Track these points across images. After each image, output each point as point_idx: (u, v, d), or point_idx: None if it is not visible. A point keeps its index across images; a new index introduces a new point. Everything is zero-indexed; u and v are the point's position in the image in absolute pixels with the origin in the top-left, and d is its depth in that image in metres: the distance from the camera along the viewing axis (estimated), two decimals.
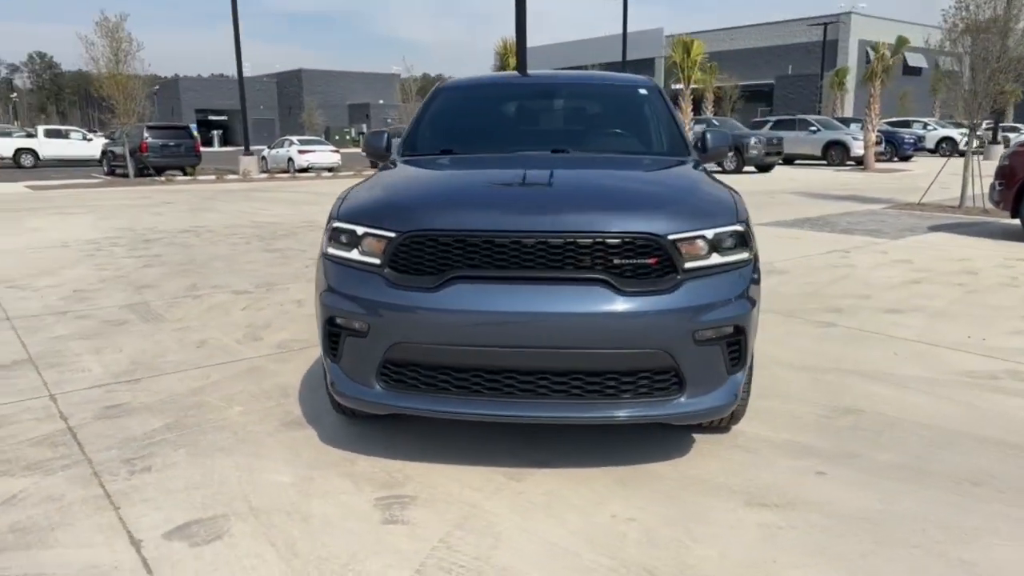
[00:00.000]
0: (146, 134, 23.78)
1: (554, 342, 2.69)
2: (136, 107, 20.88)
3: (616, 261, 2.72)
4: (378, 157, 4.17)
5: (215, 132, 65.50)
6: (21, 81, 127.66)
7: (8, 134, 32.77)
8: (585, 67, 42.91)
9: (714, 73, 17.54)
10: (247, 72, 30.15)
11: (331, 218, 3.09)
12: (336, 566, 2.34)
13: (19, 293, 6.26)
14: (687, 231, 2.79)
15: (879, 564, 2.35)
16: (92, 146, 31.37)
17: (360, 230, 2.90)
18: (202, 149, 25.97)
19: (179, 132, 25.32)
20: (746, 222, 2.99)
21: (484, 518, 2.63)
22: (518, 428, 3.26)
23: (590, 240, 2.71)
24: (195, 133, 26.27)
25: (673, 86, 16.91)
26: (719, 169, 17.80)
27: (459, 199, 3.06)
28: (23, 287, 6.51)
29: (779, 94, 49.17)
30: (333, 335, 2.94)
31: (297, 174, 26.11)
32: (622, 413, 2.78)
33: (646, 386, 2.79)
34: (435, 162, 3.81)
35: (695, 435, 3.31)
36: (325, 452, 3.16)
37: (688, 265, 2.78)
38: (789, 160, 26.63)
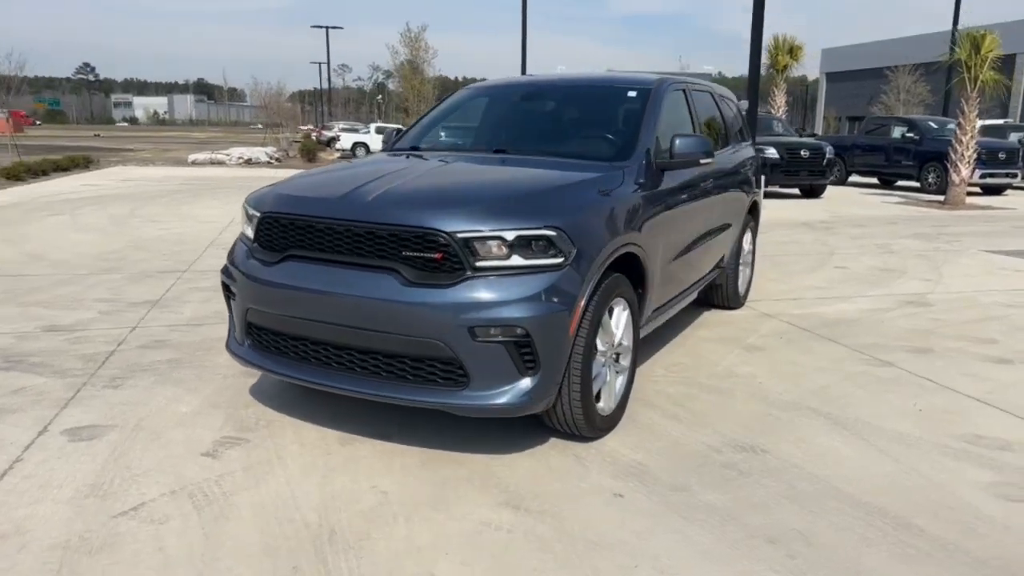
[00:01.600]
0: None
1: (350, 321, 2.96)
2: (426, 108, 23.73)
3: (406, 253, 2.90)
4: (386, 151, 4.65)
5: None
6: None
7: (354, 130, 38.76)
8: (894, 68, 38.12)
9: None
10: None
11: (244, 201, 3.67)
12: (136, 472, 2.92)
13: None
14: (480, 231, 2.85)
15: None
16: None
17: (250, 211, 3.44)
18: None
19: None
20: (561, 228, 2.93)
21: (272, 465, 3.02)
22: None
23: (385, 232, 2.93)
24: None
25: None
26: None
27: (309, 188, 3.42)
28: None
29: None
30: (225, 295, 3.53)
31: None
32: (413, 396, 2.94)
33: (434, 374, 2.93)
34: (370, 158, 4.29)
35: (554, 437, 3.29)
36: (237, 396, 3.76)
37: (481, 264, 2.84)
38: None
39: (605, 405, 3.36)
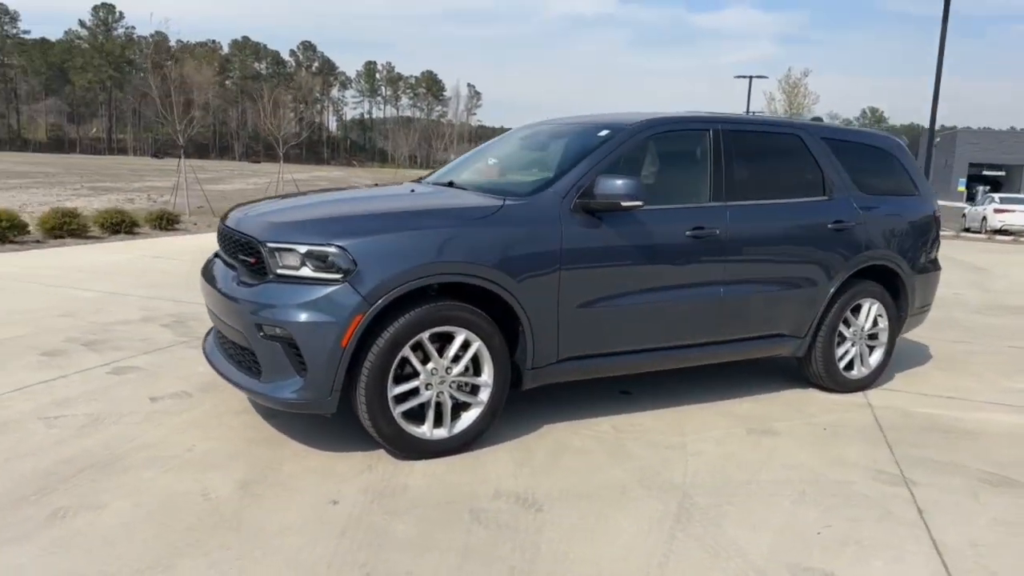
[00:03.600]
0: None
1: (220, 312, 3.63)
2: None
3: (241, 256, 3.48)
4: None
5: (980, 187, 60.43)
6: None
7: None
8: None
9: None
10: None
11: None
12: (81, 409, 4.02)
13: None
14: (281, 243, 3.28)
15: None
16: None
17: None
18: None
19: None
20: (345, 248, 3.17)
21: (202, 422, 3.84)
22: None
23: (236, 238, 3.54)
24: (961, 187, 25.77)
25: None
26: None
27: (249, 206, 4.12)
28: None
29: None
30: None
31: (993, 235, 23.19)
32: (242, 382, 3.48)
33: (250, 363, 3.43)
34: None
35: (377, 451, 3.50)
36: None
37: (279, 271, 3.28)
38: None
39: (447, 432, 3.44)
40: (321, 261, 3.23)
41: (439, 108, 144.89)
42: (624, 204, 3.69)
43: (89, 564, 2.47)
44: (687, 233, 4.03)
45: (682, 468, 3.52)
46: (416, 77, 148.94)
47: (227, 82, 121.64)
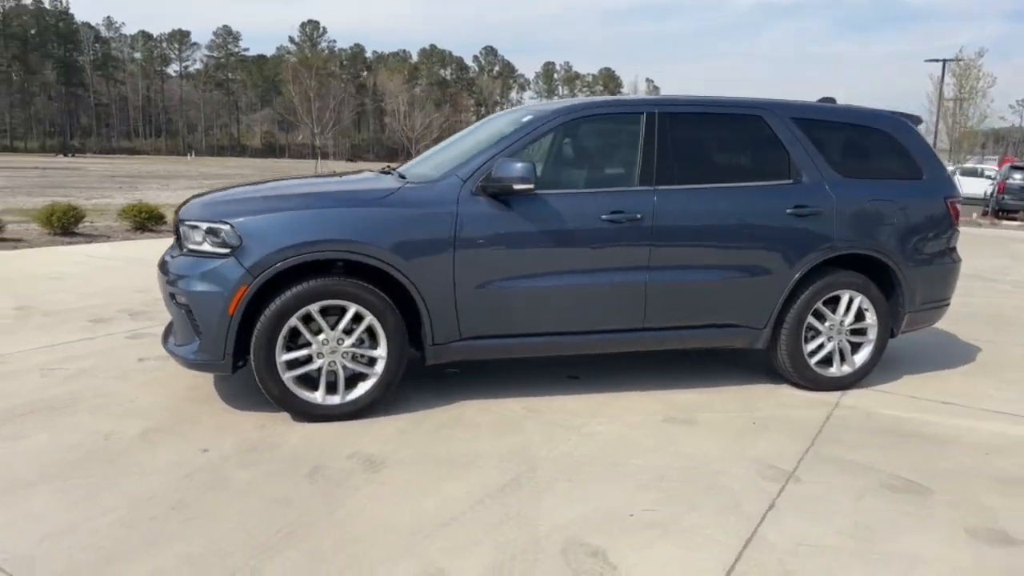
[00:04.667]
0: (1011, 174, 22.58)
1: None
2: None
3: (176, 234, 3.97)
4: None
5: None
6: None
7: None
8: None
9: None
10: None
11: None
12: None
13: None
14: (191, 220, 3.73)
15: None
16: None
17: None
18: None
19: None
20: (232, 225, 3.55)
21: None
22: None
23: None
24: None
25: None
26: None
27: None
28: None
29: None
30: None
31: None
32: (164, 344, 3.98)
33: (171, 327, 3.93)
34: None
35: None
36: None
37: (190, 246, 3.73)
38: None
39: (340, 399, 3.74)
40: (215, 237, 3.63)
41: None
42: (516, 187, 3.77)
43: None
44: (603, 218, 4.01)
45: (558, 447, 3.55)
46: (593, 75, 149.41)
47: (416, 89, 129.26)
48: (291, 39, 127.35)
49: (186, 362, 3.74)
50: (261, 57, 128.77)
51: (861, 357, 4.60)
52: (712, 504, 3.03)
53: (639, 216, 4.05)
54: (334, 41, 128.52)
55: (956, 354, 5.51)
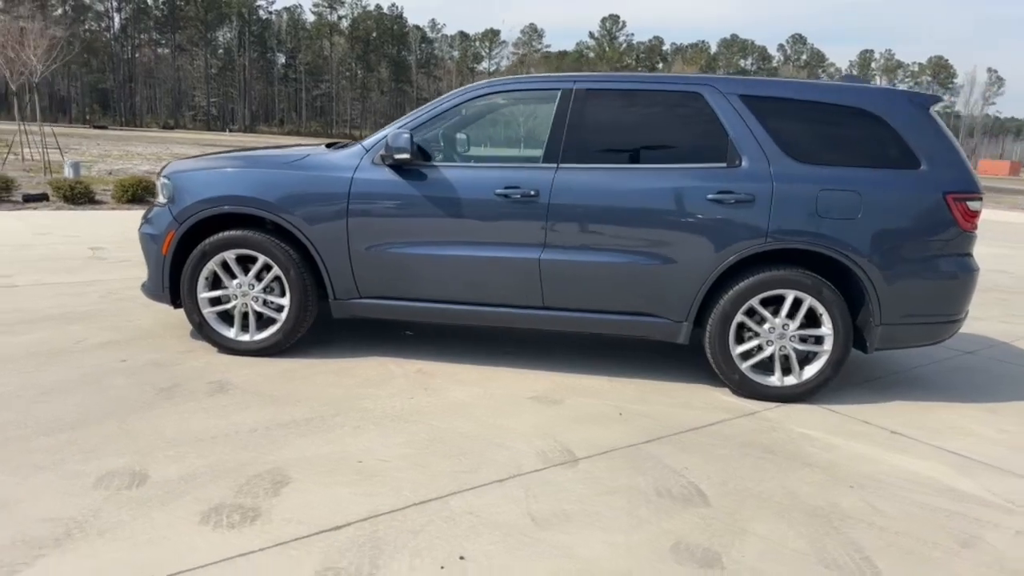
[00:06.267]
0: None
1: None
2: None
3: None
4: None
5: None
6: None
7: None
8: None
9: None
10: None
11: None
12: None
13: None
14: (160, 176, 4.51)
15: None
16: None
17: None
18: None
19: None
20: (168, 179, 4.29)
21: None
22: None
23: None
24: None
25: None
26: None
27: None
28: None
29: None
30: None
31: None
32: None
33: None
34: None
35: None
36: None
37: (159, 197, 4.53)
38: None
39: (249, 337, 4.34)
40: (163, 190, 4.39)
41: (947, 97, 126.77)
42: (396, 157, 4.00)
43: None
44: (496, 192, 4.05)
45: (391, 403, 3.74)
46: (921, 64, 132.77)
47: None
48: (591, 34, 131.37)
49: (143, 291, 4.58)
50: (562, 53, 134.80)
51: (811, 369, 4.05)
52: (453, 464, 3.07)
53: (534, 193, 4.02)
54: (632, 34, 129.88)
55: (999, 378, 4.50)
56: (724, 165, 4.00)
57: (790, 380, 4.06)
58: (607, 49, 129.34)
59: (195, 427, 3.33)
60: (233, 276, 4.30)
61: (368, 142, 4.24)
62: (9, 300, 5.36)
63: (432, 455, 3.18)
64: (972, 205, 3.98)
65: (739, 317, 4.02)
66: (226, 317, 4.37)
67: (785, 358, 4.06)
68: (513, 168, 4.16)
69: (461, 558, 2.43)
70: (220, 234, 4.23)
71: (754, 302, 3.99)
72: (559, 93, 4.15)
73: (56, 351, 4.25)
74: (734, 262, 3.96)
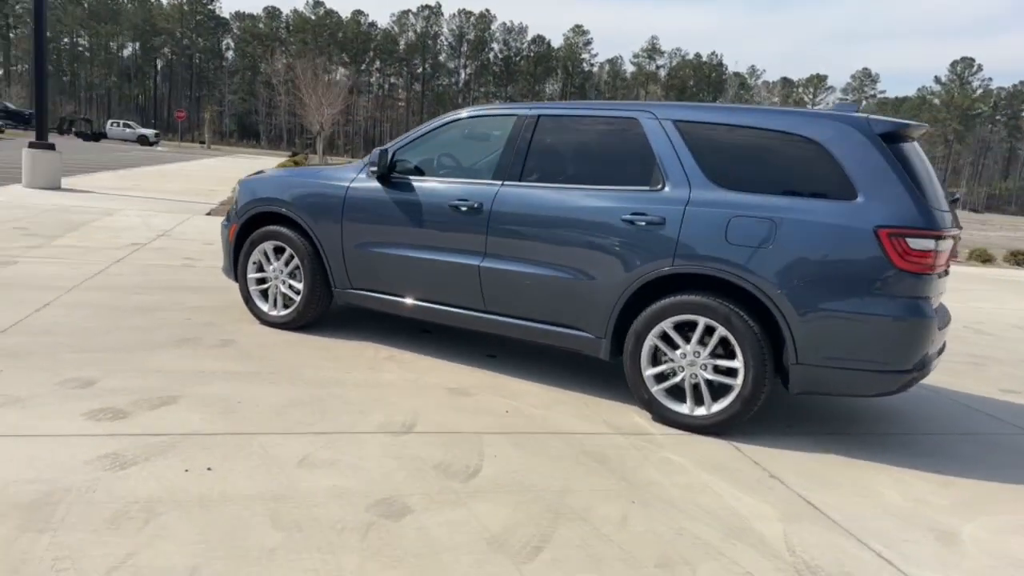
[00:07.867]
0: None
1: None
2: None
3: None
4: None
5: None
6: None
7: None
8: None
9: None
10: None
11: None
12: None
13: None
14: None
15: None
16: None
17: None
18: None
19: None
20: (239, 186, 5.44)
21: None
22: None
23: None
24: None
25: None
26: None
27: None
28: None
29: None
30: None
31: None
32: None
33: None
34: None
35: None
36: None
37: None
38: None
39: (277, 313, 5.36)
40: (236, 194, 5.60)
41: None
42: (371, 170, 4.74)
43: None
44: (450, 204, 4.56)
45: (323, 375, 4.42)
46: None
47: None
48: (936, 79, 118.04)
49: (223, 271, 5.83)
50: (900, 99, 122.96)
51: (721, 403, 3.88)
52: (300, 416, 3.67)
53: (477, 205, 4.46)
54: (990, 79, 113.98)
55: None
56: (648, 188, 4.06)
57: (700, 411, 3.93)
58: (955, 95, 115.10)
59: (171, 364, 4.34)
60: (270, 263, 5.35)
61: (368, 159, 5.02)
62: (174, 276, 7.08)
63: (293, 408, 3.80)
64: (915, 243, 3.53)
65: (651, 339, 4.01)
66: (265, 295, 5.43)
67: (695, 387, 3.94)
68: (468, 184, 4.63)
69: (208, 469, 3.05)
70: (262, 229, 5.31)
71: (666, 325, 3.96)
72: (514, 119, 4.55)
73: (153, 307, 5.65)
74: (643, 283, 3.98)
